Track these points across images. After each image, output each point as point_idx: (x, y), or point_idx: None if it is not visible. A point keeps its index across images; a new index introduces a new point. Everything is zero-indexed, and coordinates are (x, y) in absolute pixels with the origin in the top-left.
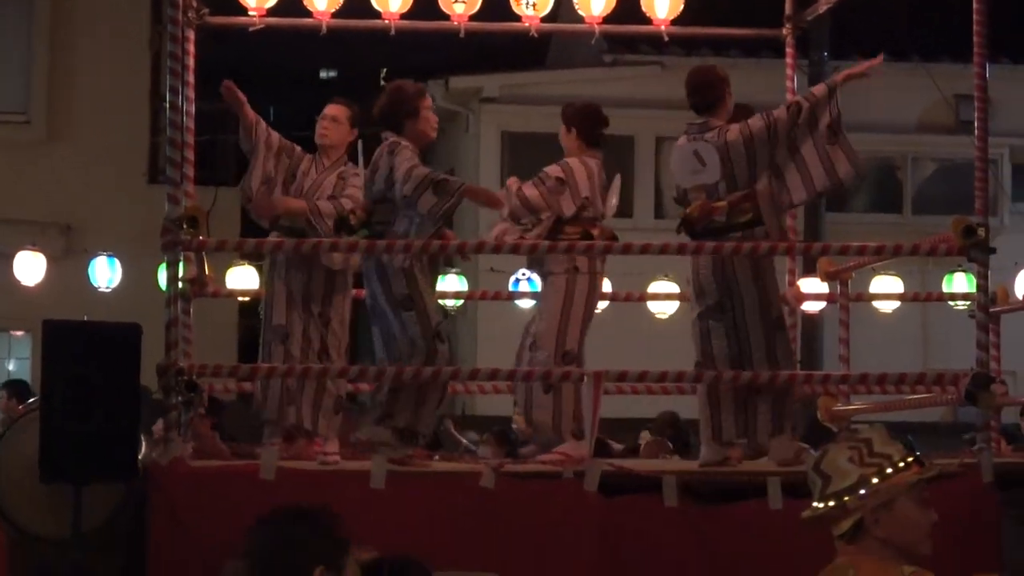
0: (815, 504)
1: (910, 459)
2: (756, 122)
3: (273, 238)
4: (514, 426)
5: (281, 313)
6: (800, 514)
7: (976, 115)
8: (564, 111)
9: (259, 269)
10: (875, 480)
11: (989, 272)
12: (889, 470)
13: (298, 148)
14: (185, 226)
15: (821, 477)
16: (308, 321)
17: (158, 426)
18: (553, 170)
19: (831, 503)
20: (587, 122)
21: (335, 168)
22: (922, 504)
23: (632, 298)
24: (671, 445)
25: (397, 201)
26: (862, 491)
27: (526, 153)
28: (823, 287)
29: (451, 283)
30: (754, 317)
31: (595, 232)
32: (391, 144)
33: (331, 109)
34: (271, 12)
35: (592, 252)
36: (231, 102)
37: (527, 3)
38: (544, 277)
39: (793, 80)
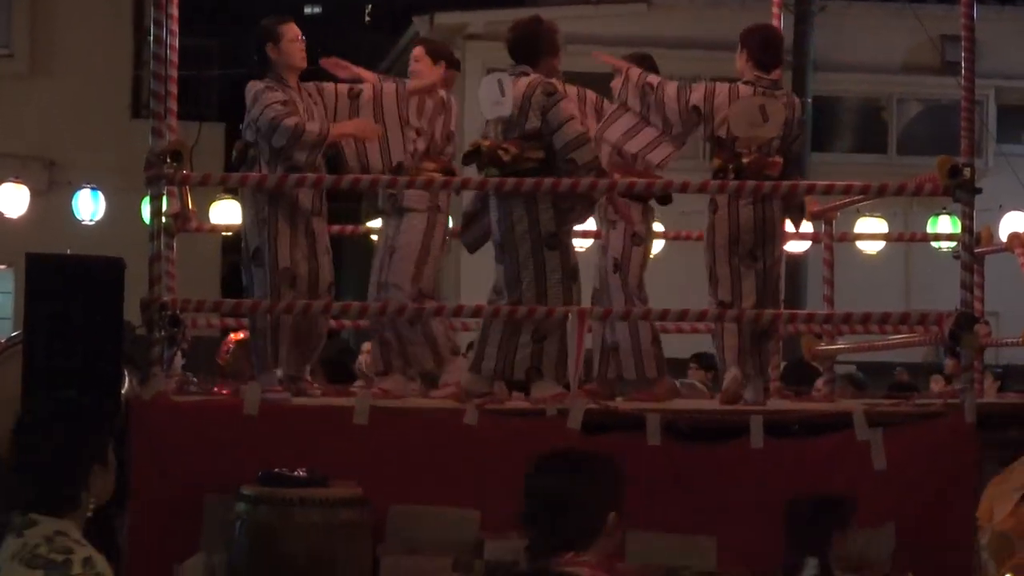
0: None
1: None
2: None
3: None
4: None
5: (286, 255)
6: (781, 453)
7: (963, 55)
8: None
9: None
10: None
11: (974, 213)
12: None
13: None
14: (168, 160)
15: None
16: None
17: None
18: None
19: None
20: None
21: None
22: None
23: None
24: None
25: (554, 142)
26: None
27: None
28: (807, 227)
29: None
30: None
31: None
32: (545, 84)
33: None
34: None
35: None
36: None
37: None
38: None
39: (780, 19)
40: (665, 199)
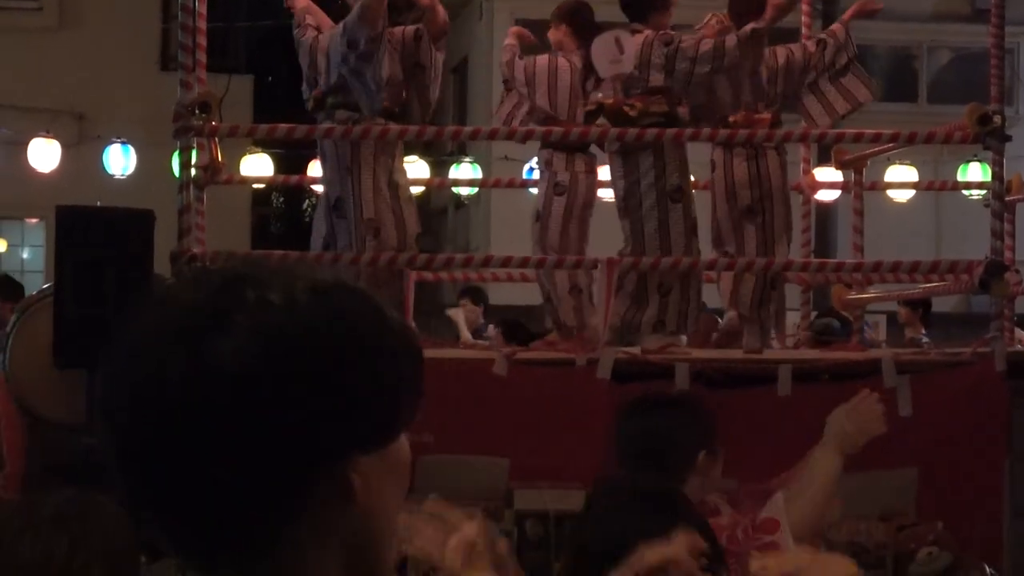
0: None
1: None
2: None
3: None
4: None
5: (370, 206)
6: (809, 400)
7: (992, 2)
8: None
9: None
10: None
11: (1004, 161)
12: None
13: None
14: (197, 112)
15: None
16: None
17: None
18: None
19: None
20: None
21: None
22: None
23: None
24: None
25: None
26: None
27: (541, 40)
28: (837, 176)
29: (465, 171)
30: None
31: None
32: (662, 37)
33: None
34: None
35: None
36: None
37: None
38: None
39: None
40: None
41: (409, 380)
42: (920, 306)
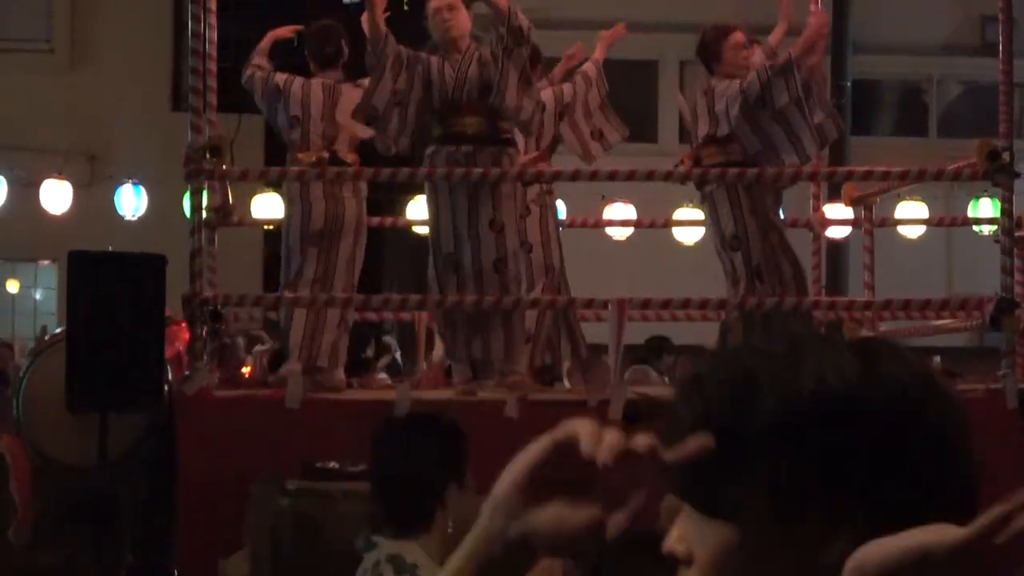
0: None
1: None
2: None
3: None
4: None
5: (449, 240)
6: None
7: (1001, 36)
8: None
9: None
10: None
11: (1014, 196)
12: None
13: (423, 54)
14: (208, 155)
15: None
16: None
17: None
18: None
19: None
20: None
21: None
22: None
23: (656, 224)
24: (654, 373)
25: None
26: None
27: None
28: (848, 212)
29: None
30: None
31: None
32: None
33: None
34: None
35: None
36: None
37: None
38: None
39: (817, 2)
40: None
41: None
42: None
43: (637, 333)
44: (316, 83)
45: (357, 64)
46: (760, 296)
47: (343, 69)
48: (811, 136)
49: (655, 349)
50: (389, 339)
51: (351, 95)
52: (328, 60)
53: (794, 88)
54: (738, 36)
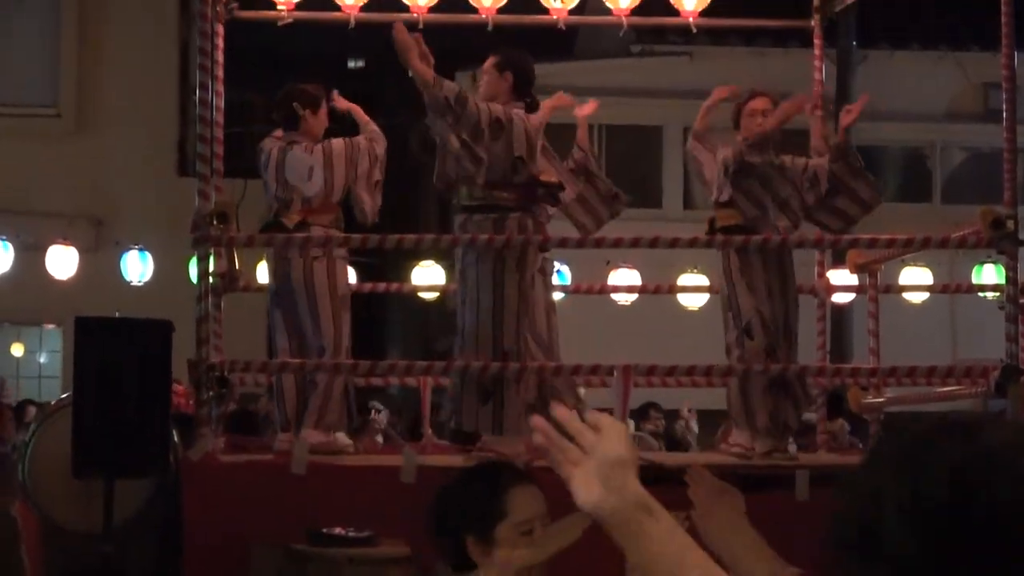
0: None
1: None
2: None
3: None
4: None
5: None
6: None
7: (1004, 103)
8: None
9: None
10: None
11: (1018, 263)
12: None
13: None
14: (214, 221)
15: None
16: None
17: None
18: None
19: None
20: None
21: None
22: None
23: (661, 290)
24: (652, 440)
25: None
26: None
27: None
28: (852, 278)
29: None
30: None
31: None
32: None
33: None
34: (299, 5)
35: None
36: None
37: None
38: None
39: (822, 71)
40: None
41: None
42: None
43: (639, 397)
44: (275, 146)
45: (346, 119)
46: (749, 352)
47: (302, 131)
48: (799, 201)
49: (641, 411)
50: (375, 403)
51: (296, 153)
52: (279, 124)
53: (768, 157)
54: (756, 103)
